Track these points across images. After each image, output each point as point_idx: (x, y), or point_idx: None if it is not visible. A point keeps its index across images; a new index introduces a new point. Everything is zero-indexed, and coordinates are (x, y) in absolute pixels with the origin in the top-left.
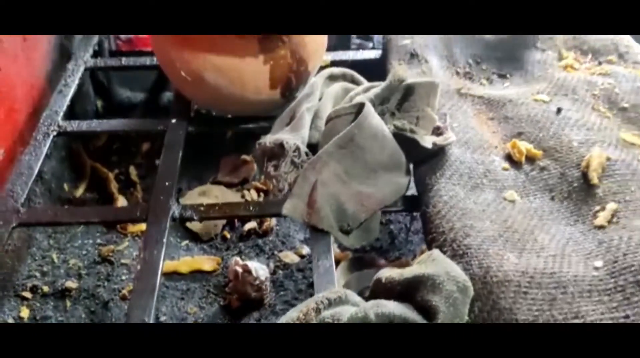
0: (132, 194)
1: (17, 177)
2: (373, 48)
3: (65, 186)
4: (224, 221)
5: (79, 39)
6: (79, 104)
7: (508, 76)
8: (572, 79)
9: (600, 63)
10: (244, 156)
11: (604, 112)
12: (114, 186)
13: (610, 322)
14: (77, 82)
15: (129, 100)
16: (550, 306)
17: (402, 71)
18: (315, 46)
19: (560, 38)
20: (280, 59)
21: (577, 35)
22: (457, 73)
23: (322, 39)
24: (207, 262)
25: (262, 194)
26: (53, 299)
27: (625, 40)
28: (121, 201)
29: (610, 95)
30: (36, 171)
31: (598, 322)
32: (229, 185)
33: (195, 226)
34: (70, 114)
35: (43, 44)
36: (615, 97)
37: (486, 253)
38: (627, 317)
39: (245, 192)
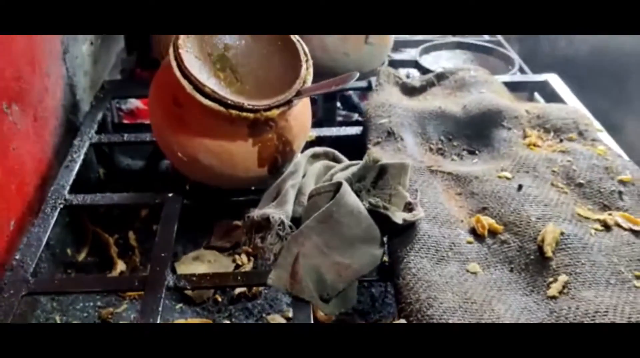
0: (130, 258)
1: (27, 248)
2: (357, 121)
3: (69, 251)
4: None
5: (85, 114)
6: (83, 172)
7: (477, 152)
8: (533, 156)
9: (561, 140)
10: (236, 222)
11: (562, 188)
12: (113, 250)
13: None
14: (82, 157)
15: (129, 167)
16: None
17: (376, 153)
18: (299, 128)
19: (525, 117)
20: (267, 141)
21: (541, 114)
22: (431, 149)
23: (307, 121)
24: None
25: (251, 258)
26: None
27: (586, 118)
28: (120, 265)
29: (569, 171)
30: (44, 243)
31: None
32: (221, 250)
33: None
34: (75, 183)
35: (52, 122)
36: (572, 174)
37: (446, 324)
38: None
39: (237, 256)
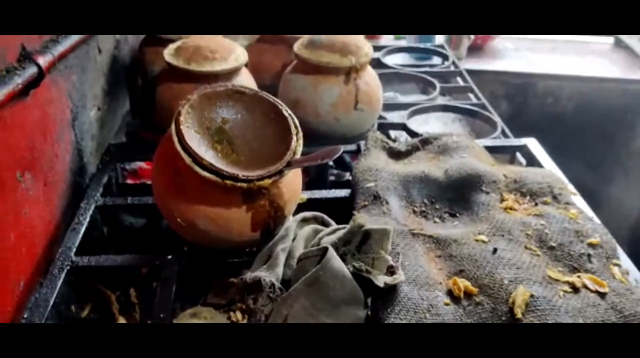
0: (131, 314)
1: (35, 308)
2: (348, 181)
3: (72, 308)
4: None
5: (91, 176)
6: (88, 231)
7: (457, 214)
8: (509, 220)
9: (536, 204)
10: (232, 279)
11: (535, 250)
12: (115, 307)
13: None
14: (88, 219)
15: (132, 226)
16: None
17: (360, 218)
18: (291, 194)
19: (502, 181)
20: (260, 208)
21: (518, 179)
22: (414, 211)
23: (297, 187)
24: None
25: (246, 315)
26: None
27: (560, 182)
28: (121, 321)
29: (541, 235)
30: (51, 303)
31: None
32: (217, 306)
33: None
34: (80, 243)
35: (60, 185)
36: (545, 237)
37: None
38: None
39: (232, 313)
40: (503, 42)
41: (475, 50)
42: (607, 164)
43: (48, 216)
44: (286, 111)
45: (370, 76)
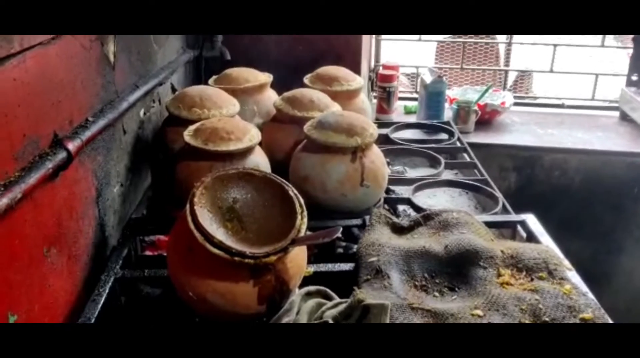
0: None
1: None
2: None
3: None
4: None
5: (112, 248)
6: (106, 300)
7: (456, 288)
8: (504, 295)
9: (532, 279)
10: None
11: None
12: None
13: None
14: (107, 291)
15: (149, 295)
16: None
17: (360, 294)
18: (296, 269)
19: (500, 257)
20: (266, 283)
21: (514, 255)
22: (415, 286)
23: (302, 262)
24: None
25: None
26: None
27: (556, 258)
28: None
29: (535, 310)
30: None
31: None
32: None
33: None
34: (100, 314)
35: (83, 258)
36: (539, 312)
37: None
38: None
39: None
40: (510, 117)
41: (483, 124)
42: (616, 235)
43: (70, 287)
44: (292, 192)
45: (375, 154)
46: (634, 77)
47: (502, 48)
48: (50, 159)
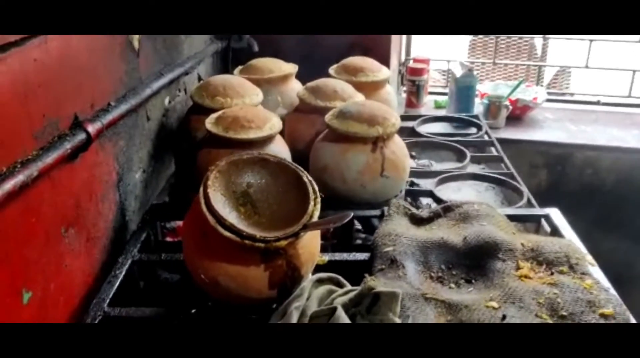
0: None
1: None
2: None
3: None
4: None
5: (132, 233)
6: (126, 284)
7: (473, 281)
8: (522, 288)
9: (552, 273)
10: None
11: (545, 318)
12: None
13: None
14: (124, 273)
15: (167, 280)
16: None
17: (371, 281)
18: (308, 256)
19: (519, 250)
20: (277, 268)
21: (535, 248)
22: (431, 277)
23: (315, 249)
24: None
25: None
26: None
27: (578, 252)
28: None
29: (553, 303)
30: None
31: None
32: None
33: None
34: (117, 295)
35: (102, 241)
36: (556, 306)
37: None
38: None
39: None
40: (543, 113)
41: (514, 120)
42: None
43: (88, 268)
44: (307, 178)
45: (397, 145)
46: None
47: (538, 43)
48: (69, 140)
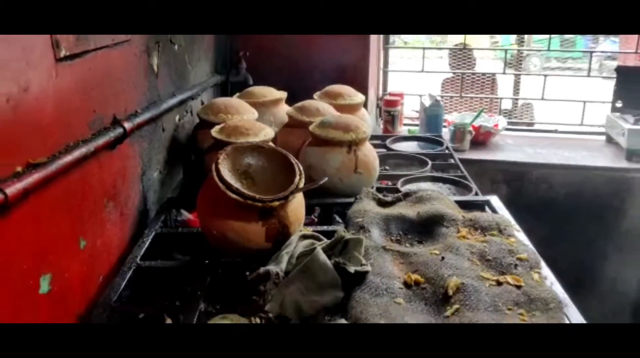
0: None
1: (105, 300)
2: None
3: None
4: None
5: (152, 217)
6: (150, 249)
7: (423, 242)
8: (460, 243)
9: (485, 235)
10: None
11: (475, 261)
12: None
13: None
14: (150, 240)
15: (179, 260)
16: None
17: (343, 232)
18: (295, 218)
19: (460, 220)
20: (272, 224)
21: (473, 218)
22: (391, 240)
23: (301, 214)
24: None
25: (262, 320)
26: None
27: (507, 222)
28: (168, 320)
29: (482, 252)
30: (118, 294)
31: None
32: (242, 314)
33: None
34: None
35: (131, 218)
36: (485, 254)
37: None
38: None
39: (252, 318)
40: (504, 139)
41: (478, 145)
42: (600, 243)
43: (121, 235)
44: (293, 160)
45: (368, 149)
46: (618, 104)
47: (500, 78)
48: (111, 132)
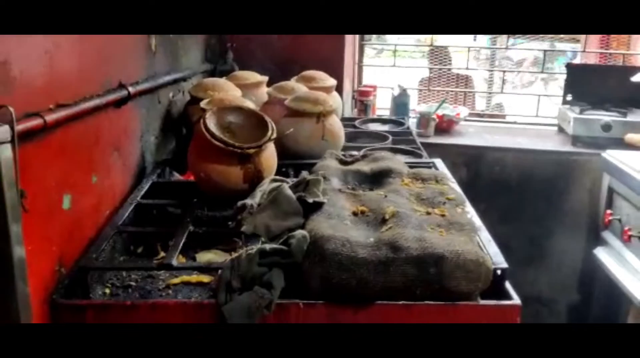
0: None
1: (112, 228)
2: None
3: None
4: None
5: (149, 172)
6: (149, 191)
7: (374, 189)
8: (402, 189)
9: (424, 184)
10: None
11: (411, 200)
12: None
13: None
14: (149, 185)
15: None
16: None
17: (306, 174)
18: (267, 164)
19: (405, 173)
20: (249, 169)
21: (416, 172)
22: (347, 188)
23: (273, 163)
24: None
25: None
26: None
27: (444, 175)
28: (162, 254)
29: (419, 194)
30: (122, 220)
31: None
32: (224, 250)
33: None
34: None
35: (131, 169)
36: (420, 195)
37: (323, 236)
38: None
39: (232, 253)
40: (466, 128)
41: (442, 132)
42: (548, 222)
43: (124, 182)
44: (267, 119)
45: (334, 120)
46: (568, 98)
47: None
48: (118, 92)
